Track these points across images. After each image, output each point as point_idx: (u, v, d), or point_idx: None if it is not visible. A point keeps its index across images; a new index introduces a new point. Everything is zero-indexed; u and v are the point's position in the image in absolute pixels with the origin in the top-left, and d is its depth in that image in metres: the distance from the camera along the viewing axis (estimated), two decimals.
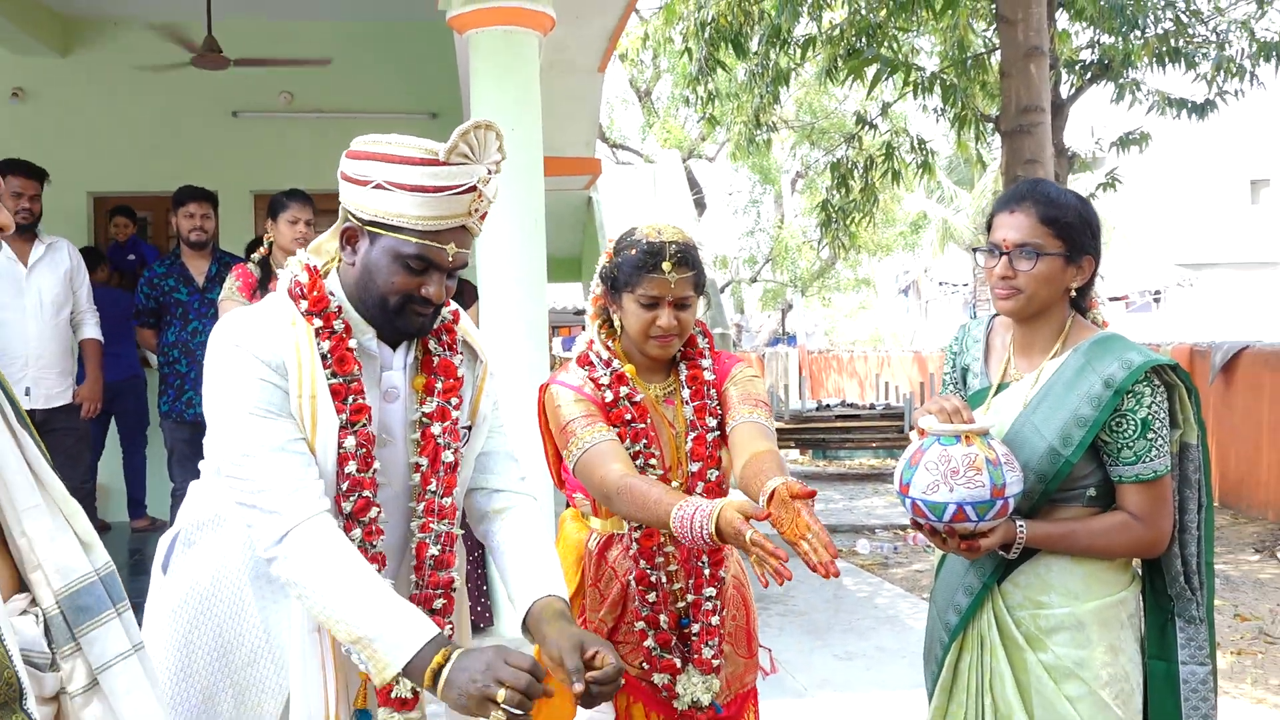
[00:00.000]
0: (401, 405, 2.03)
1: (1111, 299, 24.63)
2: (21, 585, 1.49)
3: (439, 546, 2.03)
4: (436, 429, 2.03)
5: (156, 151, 8.21)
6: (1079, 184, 14.41)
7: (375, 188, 1.85)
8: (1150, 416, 2.16)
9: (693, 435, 2.45)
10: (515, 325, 5.04)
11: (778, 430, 12.47)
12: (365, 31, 8.36)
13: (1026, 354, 2.33)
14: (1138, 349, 2.20)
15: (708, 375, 2.50)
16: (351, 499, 1.91)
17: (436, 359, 2.06)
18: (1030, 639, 2.24)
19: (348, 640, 1.78)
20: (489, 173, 1.92)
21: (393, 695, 1.93)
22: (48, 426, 5.29)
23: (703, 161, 24.37)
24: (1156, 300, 28.10)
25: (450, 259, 1.91)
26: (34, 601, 1.51)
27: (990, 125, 10.02)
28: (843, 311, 31.79)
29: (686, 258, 2.38)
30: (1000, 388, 2.34)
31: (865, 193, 11.25)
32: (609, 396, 2.42)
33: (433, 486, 2.02)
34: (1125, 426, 2.17)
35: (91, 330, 5.61)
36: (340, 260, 2.00)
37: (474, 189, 1.89)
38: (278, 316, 1.93)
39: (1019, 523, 2.22)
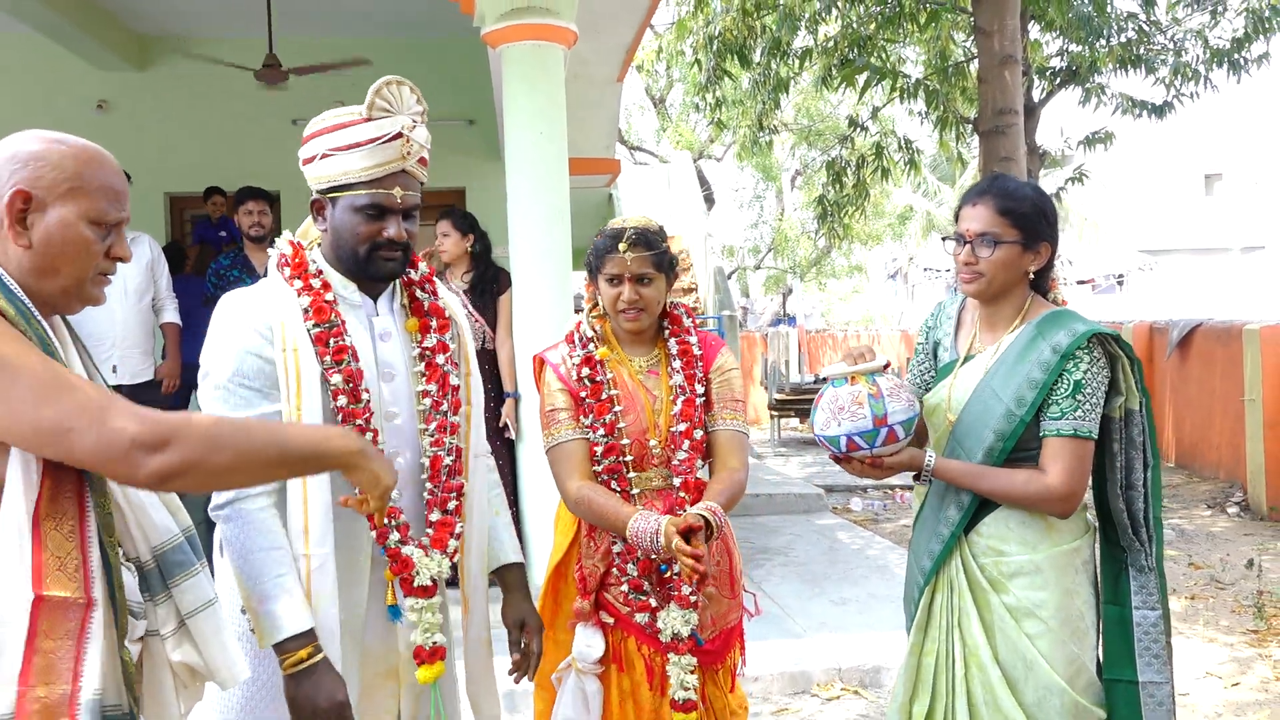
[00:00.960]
0: (399, 345, 2.08)
1: (1079, 281, 24.45)
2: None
3: (451, 457, 2.08)
4: (440, 359, 2.10)
5: (224, 156, 8.23)
6: (1050, 179, 14.31)
7: (322, 158, 1.95)
8: (1084, 379, 2.17)
9: (683, 398, 2.49)
10: (543, 308, 5.04)
11: (780, 401, 12.49)
12: (408, 46, 8.34)
13: (990, 329, 2.34)
14: (1085, 321, 2.22)
15: (696, 350, 2.55)
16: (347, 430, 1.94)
17: (425, 303, 2.13)
18: (993, 582, 2.25)
19: (244, 601, 1.85)
20: (414, 122, 1.99)
21: (415, 584, 2.00)
22: (132, 400, 5.33)
23: (712, 161, 24.27)
24: (1120, 283, 27.86)
25: (400, 200, 1.98)
26: (126, 557, 1.57)
27: (969, 126, 9.93)
28: (837, 295, 31.65)
29: (643, 239, 2.44)
30: (967, 359, 2.35)
31: (857, 188, 11.19)
32: (575, 376, 2.49)
33: (443, 408, 2.08)
34: (1060, 385, 2.18)
35: (171, 315, 5.65)
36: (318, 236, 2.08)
37: (400, 135, 1.95)
38: (268, 286, 2.01)
39: (929, 453, 2.26)
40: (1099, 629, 2.30)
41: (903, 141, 10.75)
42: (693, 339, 2.56)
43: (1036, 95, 10.72)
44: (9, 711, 1.35)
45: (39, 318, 1.50)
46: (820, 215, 11.78)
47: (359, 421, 1.96)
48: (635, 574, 2.47)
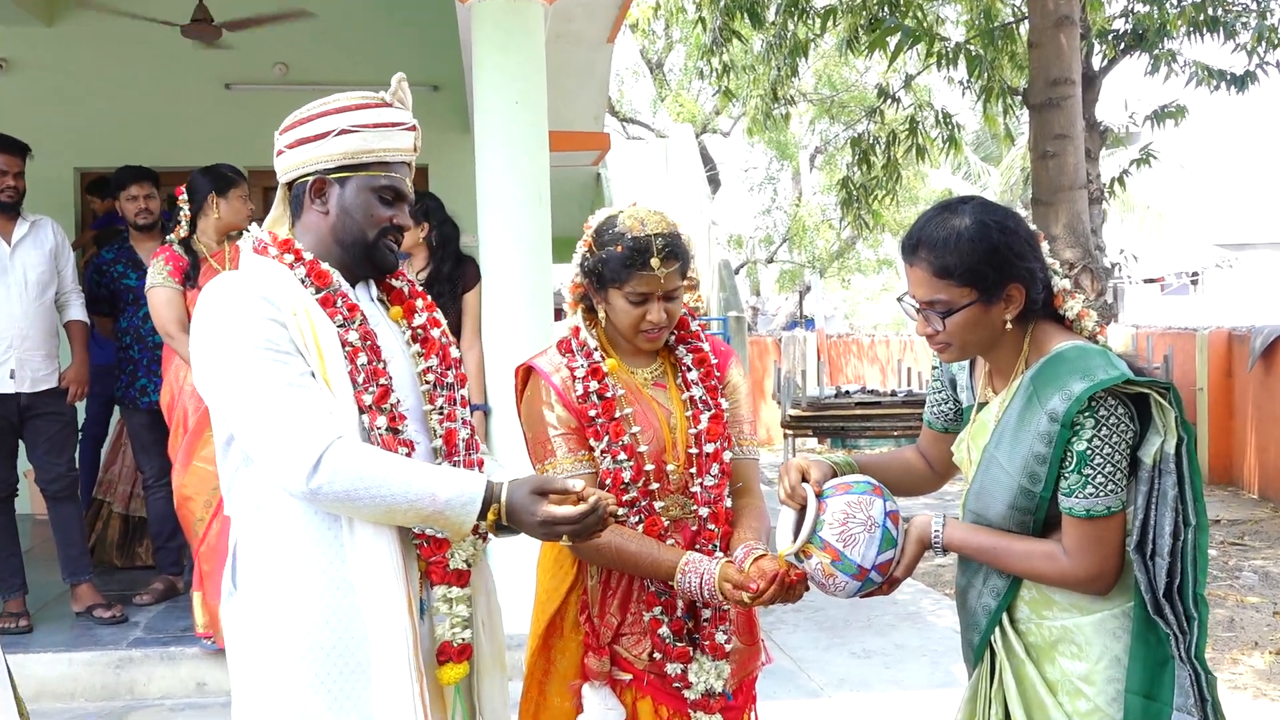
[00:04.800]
0: (389, 334, 2.25)
1: (1145, 280, 24.56)
2: None
3: (467, 429, 2.28)
4: (435, 332, 2.30)
5: (146, 126, 8.21)
6: (1112, 161, 14.35)
7: (340, 134, 2.14)
8: (1089, 451, 2.06)
9: (709, 414, 2.52)
10: (519, 307, 5.04)
11: (795, 417, 12.50)
12: (364, 0, 8.35)
13: (998, 372, 2.28)
14: (1083, 369, 2.08)
15: (712, 358, 2.58)
16: (370, 390, 2.09)
17: (405, 289, 2.34)
18: (1033, 651, 2.22)
19: (418, 521, 2.04)
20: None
21: (449, 569, 2.17)
22: (33, 411, 5.31)
23: (717, 137, 24.33)
24: (1194, 282, 28.00)
25: (410, 190, 2.24)
26: None
27: (1018, 98, 9.95)
28: (864, 294, 31.73)
29: (674, 249, 2.46)
30: (981, 406, 2.31)
31: (888, 169, 11.20)
32: (579, 390, 2.49)
33: (449, 380, 2.27)
34: (1066, 458, 2.09)
35: (77, 311, 5.60)
36: (293, 225, 2.24)
37: (414, 128, 2.23)
38: (258, 264, 2.16)
39: (935, 526, 2.23)
40: None
41: (941, 115, 10.77)
42: (706, 345, 2.61)
43: (1097, 63, 10.75)
44: None
45: None
46: (844, 201, 11.78)
47: (383, 381, 2.11)
48: (668, 621, 2.48)
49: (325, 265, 2.17)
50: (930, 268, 2.15)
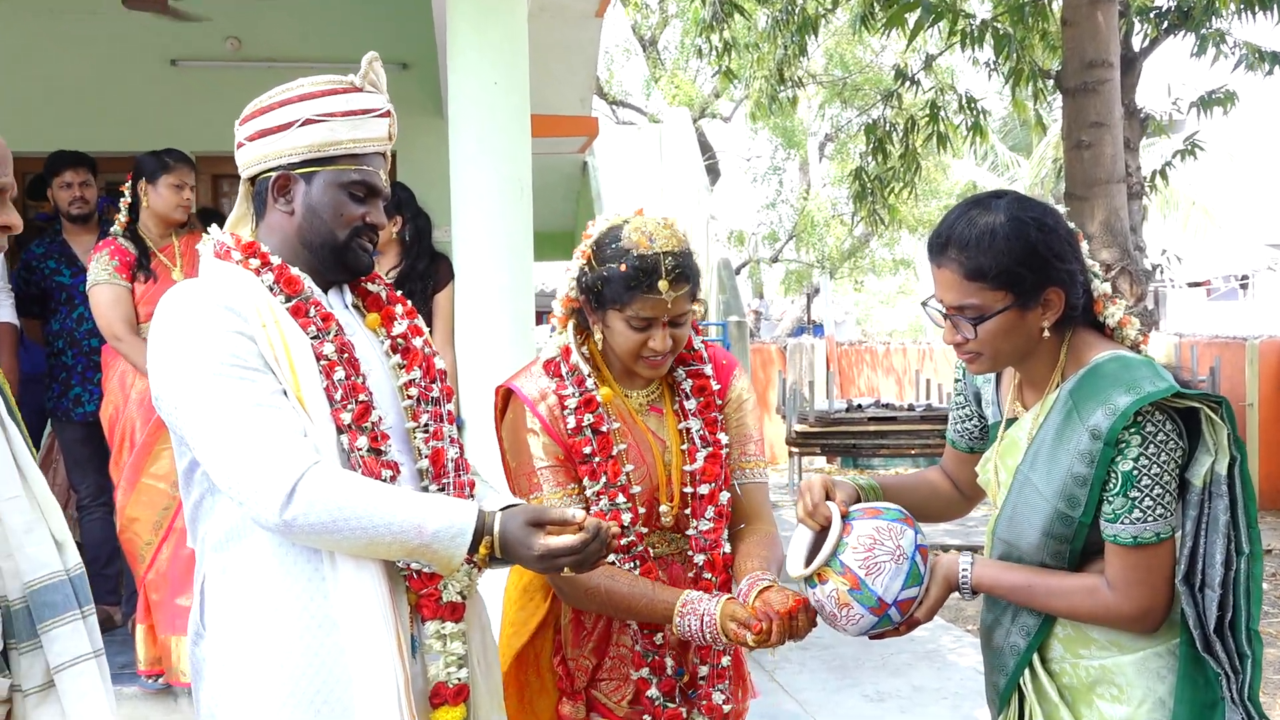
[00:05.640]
0: (366, 344, 2.24)
1: (1190, 285, 24.64)
2: None
3: (455, 448, 2.28)
4: (417, 341, 2.29)
5: (82, 107, 8.18)
6: (1153, 152, 14.40)
7: (304, 124, 2.13)
8: (1135, 471, 2.05)
9: (705, 451, 2.50)
10: (497, 310, 5.03)
11: (802, 434, 12.52)
12: None
13: (1031, 385, 2.28)
14: (1129, 382, 2.08)
15: (714, 384, 2.56)
16: (349, 407, 2.09)
17: (383, 294, 2.34)
18: (1067, 693, 2.21)
19: (404, 555, 2.03)
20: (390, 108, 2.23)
21: (442, 602, 2.16)
22: None
23: (716, 122, 24.37)
24: (1244, 286, 28.08)
25: (383, 184, 2.23)
26: None
27: (1051, 82, 9.99)
28: (878, 297, 31.81)
29: (685, 270, 2.41)
30: (1010, 422, 2.31)
31: (906, 159, 11.24)
32: (571, 423, 2.46)
33: (434, 394, 2.27)
34: (1110, 480, 2.08)
35: (6, 313, 5.58)
36: (256, 225, 2.24)
37: (389, 114, 2.21)
38: (221, 270, 2.14)
39: (963, 565, 2.22)
40: None
41: (965, 100, 10.80)
42: (708, 369, 2.57)
43: (1137, 43, 10.79)
44: None
45: None
46: (857, 194, 11.82)
47: (362, 397, 2.11)
48: (658, 682, 2.49)
49: (295, 270, 2.15)
50: (961, 269, 2.14)
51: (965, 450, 2.50)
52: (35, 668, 1.68)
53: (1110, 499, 2.08)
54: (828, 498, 2.27)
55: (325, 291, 2.22)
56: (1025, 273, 2.11)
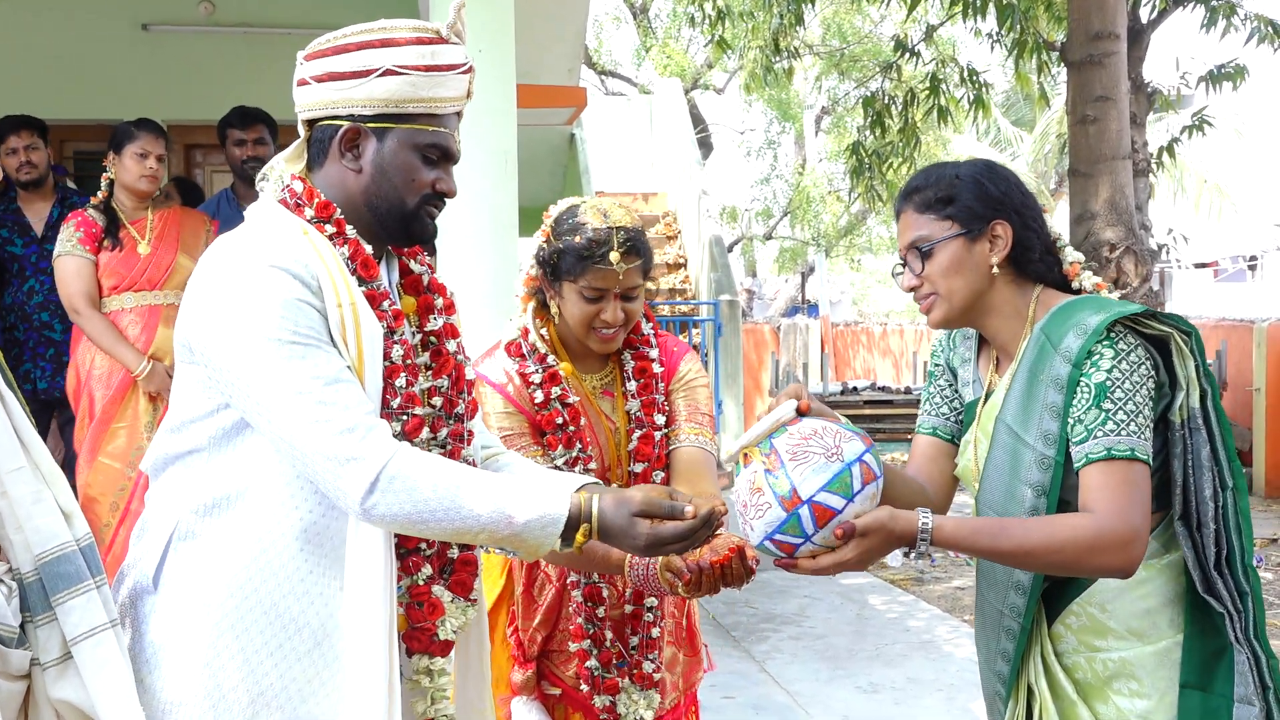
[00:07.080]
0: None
1: (1198, 265, 24.68)
2: None
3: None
4: (452, 345, 2.20)
5: (50, 72, 8.13)
6: (1160, 127, 14.41)
7: (382, 75, 1.99)
8: (1109, 382, 2.08)
9: (639, 433, 2.68)
10: (479, 288, 5.03)
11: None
12: None
13: (1005, 355, 2.31)
14: (1099, 304, 2.17)
15: (656, 368, 2.72)
16: (402, 418, 2.02)
17: (425, 278, 2.23)
18: (1084, 689, 2.21)
19: (490, 543, 1.97)
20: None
21: (435, 639, 2.08)
22: None
23: (709, 94, 24.33)
24: (1252, 267, 28.14)
25: (458, 148, 2.13)
26: (8, 570, 1.74)
27: (1055, 54, 9.99)
28: (875, 276, 31.82)
29: (636, 245, 2.60)
30: (988, 395, 2.33)
31: (905, 133, 11.23)
32: (539, 397, 2.63)
33: (460, 408, 2.18)
34: (1080, 397, 2.11)
35: None
36: (309, 172, 2.11)
37: (471, 69, 2.08)
38: (286, 227, 2.01)
39: (922, 517, 2.09)
40: None
41: (966, 73, 10.79)
42: (653, 352, 2.74)
43: (1145, 14, 10.78)
44: None
45: None
46: (854, 169, 11.81)
47: (418, 411, 2.05)
48: (597, 653, 2.65)
49: (365, 245, 2.06)
50: (914, 207, 2.29)
51: (945, 439, 2.46)
52: (52, 640, 1.72)
53: (1083, 416, 2.11)
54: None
55: (379, 260, 2.11)
56: (972, 203, 2.24)
